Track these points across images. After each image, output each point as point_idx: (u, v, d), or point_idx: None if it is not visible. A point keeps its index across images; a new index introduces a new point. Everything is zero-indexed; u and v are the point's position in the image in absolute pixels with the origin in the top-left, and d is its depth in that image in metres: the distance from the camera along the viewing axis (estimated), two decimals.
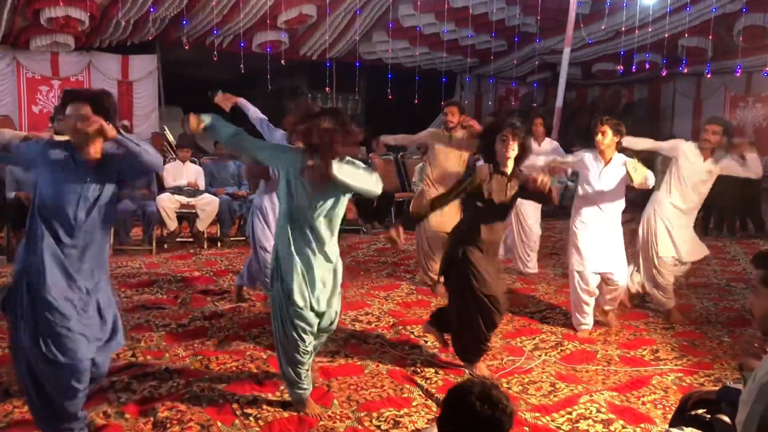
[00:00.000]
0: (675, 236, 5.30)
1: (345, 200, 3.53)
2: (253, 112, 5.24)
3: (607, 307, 5.15)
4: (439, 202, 4.21)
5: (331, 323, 3.62)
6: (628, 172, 4.74)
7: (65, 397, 2.92)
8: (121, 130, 2.92)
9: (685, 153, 5.17)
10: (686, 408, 2.45)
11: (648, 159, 11.88)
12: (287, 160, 3.41)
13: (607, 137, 4.81)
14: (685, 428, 2.23)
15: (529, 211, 6.81)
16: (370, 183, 3.45)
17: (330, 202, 3.43)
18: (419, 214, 4.69)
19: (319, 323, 3.52)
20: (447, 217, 5.35)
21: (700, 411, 2.36)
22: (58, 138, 3.12)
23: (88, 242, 2.95)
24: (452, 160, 5.97)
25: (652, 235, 5.35)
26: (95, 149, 2.94)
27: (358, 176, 3.40)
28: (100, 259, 3.03)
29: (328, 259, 3.50)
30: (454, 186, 4.19)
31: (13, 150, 3.08)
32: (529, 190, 4.13)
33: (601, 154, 4.88)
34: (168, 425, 3.36)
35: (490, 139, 4.13)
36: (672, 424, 2.46)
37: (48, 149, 2.91)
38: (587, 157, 4.96)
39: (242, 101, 5.25)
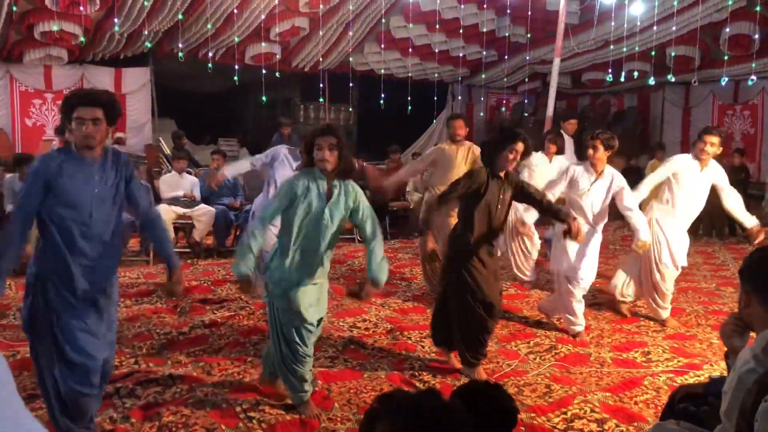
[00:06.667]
0: (673, 245, 5.45)
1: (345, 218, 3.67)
2: (249, 166, 5.30)
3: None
4: (444, 198, 4.33)
5: (320, 322, 3.75)
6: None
7: (82, 398, 2.99)
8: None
9: (685, 168, 5.33)
10: (675, 402, 2.55)
11: (637, 167, 12.05)
12: (304, 189, 3.48)
13: (598, 151, 4.96)
14: (674, 421, 2.33)
15: (529, 221, 6.88)
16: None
17: (338, 217, 3.57)
18: (429, 213, 4.63)
19: None
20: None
21: (688, 404, 2.46)
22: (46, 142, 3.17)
23: (102, 241, 3.04)
24: (460, 171, 6.13)
25: (655, 243, 5.46)
26: (100, 148, 3.01)
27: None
28: (113, 259, 3.12)
29: (323, 272, 3.65)
30: (456, 182, 4.31)
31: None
32: (522, 195, 4.36)
33: (593, 166, 5.02)
34: (173, 429, 3.44)
35: (496, 146, 4.24)
36: (662, 418, 2.56)
37: (51, 168, 2.92)
38: (578, 171, 5.07)
39: (228, 172, 5.31)
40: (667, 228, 5.42)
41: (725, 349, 2.25)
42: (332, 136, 3.46)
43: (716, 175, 5.34)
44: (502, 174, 4.24)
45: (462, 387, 2.01)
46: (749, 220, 5.36)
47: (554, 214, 4.50)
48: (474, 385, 2.01)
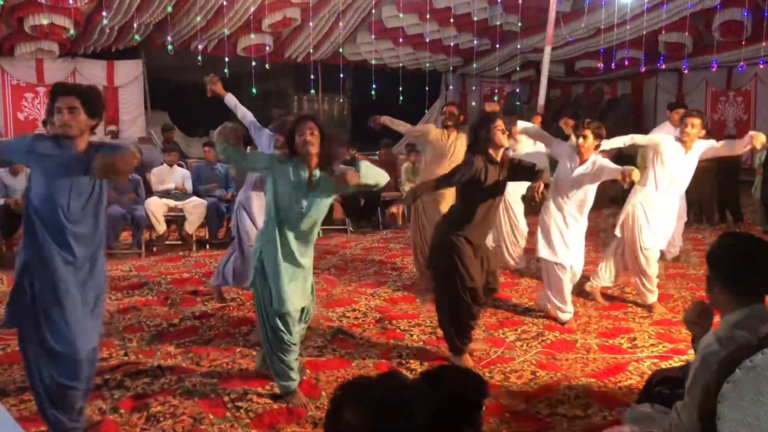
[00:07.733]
0: (654, 228, 5.48)
1: (329, 202, 3.70)
2: (242, 113, 5.32)
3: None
4: (442, 182, 4.43)
5: (307, 313, 3.80)
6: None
7: (68, 391, 3.01)
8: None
9: (669, 149, 5.35)
10: (652, 386, 2.60)
11: (628, 154, 12.07)
12: (280, 170, 3.52)
13: (588, 140, 4.96)
14: (649, 404, 2.37)
15: (517, 209, 6.93)
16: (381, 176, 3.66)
17: (317, 206, 3.58)
18: (421, 191, 4.66)
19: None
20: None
21: (663, 388, 2.51)
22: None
23: (82, 233, 3.05)
24: (453, 159, 6.13)
25: (637, 227, 5.51)
26: (82, 141, 3.03)
27: (376, 174, 3.62)
28: (94, 250, 3.13)
29: (307, 258, 3.68)
30: (455, 169, 4.34)
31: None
32: (520, 171, 4.38)
33: (579, 154, 5.04)
34: (161, 419, 3.47)
35: (484, 128, 4.25)
36: (639, 401, 2.60)
37: (37, 143, 2.98)
38: (566, 149, 5.12)
39: (230, 99, 5.34)
40: (649, 211, 5.47)
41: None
42: (310, 121, 3.49)
43: (702, 152, 5.34)
44: (496, 157, 4.25)
45: (429, 370, 2.05)
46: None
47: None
48: (442, 368, 2.06)
